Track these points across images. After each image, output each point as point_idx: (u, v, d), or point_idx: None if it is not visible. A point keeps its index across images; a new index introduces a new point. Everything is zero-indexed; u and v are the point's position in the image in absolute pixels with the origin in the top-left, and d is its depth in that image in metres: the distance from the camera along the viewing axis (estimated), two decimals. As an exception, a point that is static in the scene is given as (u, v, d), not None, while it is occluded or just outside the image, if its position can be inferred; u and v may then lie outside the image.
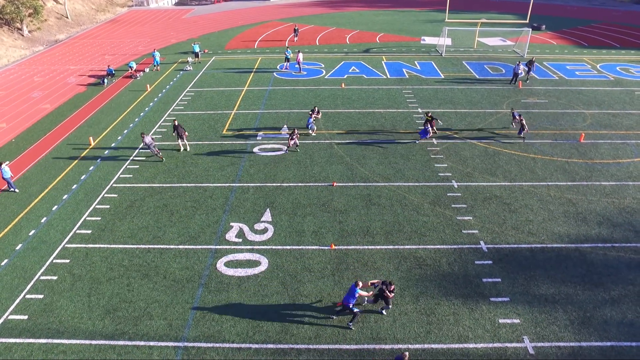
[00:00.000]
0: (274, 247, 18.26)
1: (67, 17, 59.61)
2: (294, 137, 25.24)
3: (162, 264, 17.42)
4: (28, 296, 16.03)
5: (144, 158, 25.17)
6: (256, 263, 17.41)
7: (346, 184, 22.37)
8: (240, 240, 18.64)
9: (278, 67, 40.68)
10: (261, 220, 19.87)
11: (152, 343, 14.15)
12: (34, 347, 14.09)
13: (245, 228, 19.36)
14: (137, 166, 24.38)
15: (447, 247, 18.11)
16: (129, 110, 31.90)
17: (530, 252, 17.81)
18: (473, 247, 18.12)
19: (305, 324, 14.77)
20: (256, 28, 57.11)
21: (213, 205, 20.94)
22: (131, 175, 23.50)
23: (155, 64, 40.16)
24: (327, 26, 57.57)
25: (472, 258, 17.53)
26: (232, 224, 19.64)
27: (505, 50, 46.08)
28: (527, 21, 46.21)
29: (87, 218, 20.20)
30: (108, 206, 21.01)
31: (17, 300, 15.84)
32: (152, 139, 25.22)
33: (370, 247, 18.18)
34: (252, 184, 22.51)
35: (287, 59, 40.11)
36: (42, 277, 16.86)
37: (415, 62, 41.88)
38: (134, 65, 38.96)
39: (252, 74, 39.08)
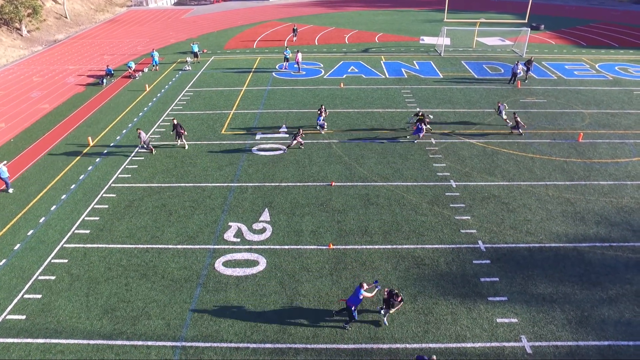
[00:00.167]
0: (272, 246, 18.26)
1: (66, 17, 59.59)
2: (298, 136, 25.24)
3: (161, 264, 17.42)
4: (26, 296, 16.03)
5: (142, 158, 25.17)
6: (254, 263, 17.42)
7: (345, 184, 22.38)
8: (239, 240, 18.65)
9: (277, 67, 40.69)
10: (259, 220, 19.88)
11: (150, 343, 14.16)
12: (32, 347, 14.09)
13: (244, 228, 19.36)
14: (136, 166, 24.38)
15: (445, 247, 18.12)
16: (127, 110, 31.90)
17: (529, 252, 17.83)
18: (471, 246, 18.13)
19: (303, 324, 14.78)
20: (255, 28, 57.12)
21: (211, 205, 20.95)
22: (130, 175, 23.50)
23: (154, 63, 40.16)
24: (326, 26, 57.58)
25: (470, 257, 17.54)
26: (230, 223, 19.65)
27: (504, 50, 46.11)
28: (526, 21, 46.20)
29: (86, 218, 20.20)
30: (106, 206, 21.01)
31: (15, 300, 15.84)
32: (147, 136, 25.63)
33: (368, 246, 18.19)
34: (251, 184, 22.52)
35: (286, 59, 40.13)
36: (40, 277, 16.86)
37: (414, 61, 41.89)
38: (133, 65, 38.98)
39: (251, 73, 39.08)
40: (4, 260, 17.75)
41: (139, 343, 14.16)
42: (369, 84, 36.20)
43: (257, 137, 27.39)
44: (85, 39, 52.53)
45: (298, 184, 22.47)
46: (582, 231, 18.98)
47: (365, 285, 14.28)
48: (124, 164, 24.59)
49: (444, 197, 21.24)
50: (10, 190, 22.20)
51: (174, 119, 26.47)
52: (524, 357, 13.57)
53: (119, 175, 23.51)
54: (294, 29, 50.75)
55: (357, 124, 28.81)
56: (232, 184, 22.54)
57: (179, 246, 18.36)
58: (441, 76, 37.86)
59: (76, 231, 19.34)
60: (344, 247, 18.19)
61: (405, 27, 56.42)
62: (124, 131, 28.45)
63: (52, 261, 17.65)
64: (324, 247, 18.15)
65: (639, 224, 19.38)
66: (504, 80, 36.55)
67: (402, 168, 23.69)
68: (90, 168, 24.29)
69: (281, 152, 25.43)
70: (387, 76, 37.94)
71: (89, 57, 45.04)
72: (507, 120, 28.10)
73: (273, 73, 39.06)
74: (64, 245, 18.50)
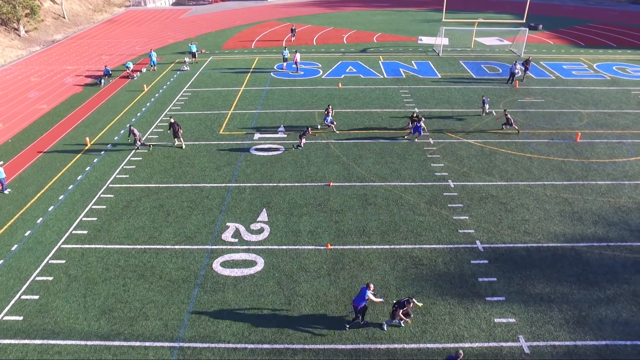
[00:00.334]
0: (270, 247, 18.25)
1: (64, 17, 59.50)
2: (303, 136, 25.22)
3: (158, 264, 17.40)
4: (23, 297, 15.99)
5: (140, 158, 25.15)
6: (252, 263, 17.41)
7: (342, 184, 22.38)
8: (237, 240, 18.63)
9: (275, 67, 40.68)
10: (257, 220, 19.86)
11: (147, 343, 14.14)
12: (29, 348, 14.06)
13: (242, 228, 19.35)
14: (134, 166, 24.35)
15: (443, 247, 18.13)
16: (125, 110, 31.86)
17: (526, 252, 17.84)
18: (469, 246, 18.14)
19: (301, 324, 14.77)
20: (253, 28, 57.10)
21: (209, 205, 20.93)
22: (127, 176, 23.47)
23: (152, 64, 40.11)
24: (325, 26, 57.58)
25: (468, 257, 17.55)
26: (228, 224, 19.63)
27: (502, 49, 46.15)
28: (524, 21, 46.23)
29: (83, 218, 20.17)
30: (104, 206, 20.98)
31: (13, 301, 15.80)
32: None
33: (366, 246, 18.19)
34: (249, 184, 22.50)
35: (284, 59, 40.12)
36: (37, 278, 16.83)
37: (413, 61, 41.91)
38: (131, 66, 38.93)
39: (249, 74, 39.06)
40: (1, 261, 17.71)
41: (136, 344, 14.14)
42: (367, 84, 36.21)
43: (255, 137, 27.37)
44: (84, 39, 52.47)
45: (296, 184, 22.46)
46: (580, 231, 19.00)
47: (371, 287, 14.22)
48: (122, 165, 24.56)
49: (441, 197, 21.25)
50: (7, 191, 22.16)
51: (171, 117, 26.45)
52: (521, 357, 13.58)
53: (117, 176, 23.48)
54: (292, 29, 50.73)
55: (355, 124, 28.80)
56: (230, 184, 22.52)
57: (176, 247, 18.35)
58: (439, 76, 37.88)
59: (74, 232, 19.31)
60: (341, 247, 18.19)
61: (404, 27, 56.45)
62: (122, 131, 28.41)
63: (50, 262, 17.62)
64: (322, 248, 18.15)
65: (637, 224, 19.41)
66: (502, 80, 36.58)
67: (400, 168, 23.70)
68: (88, 168, 24.25)
69: (280, 152, 25.42)
70: (386, 76, 37.95)
71: (87, 58, 44.99)
72: (492, 112, 29.09)
73: (271, 73, 39.05)
74: (62, 246, 18.47)
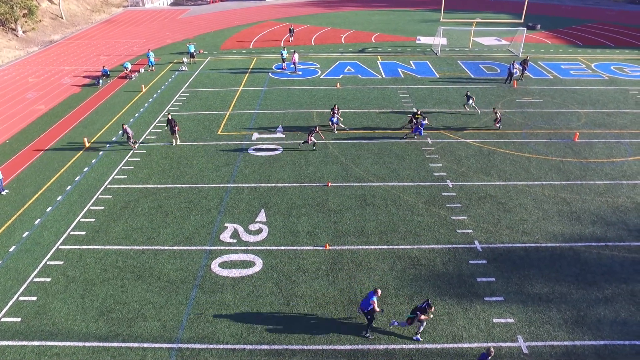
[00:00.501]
0: (268, 247, 18.24)
1: (62, 18, 59.39)
2: (312, 134, 25.19)
3: (157, 265, 17.37)
4: (21, 298, 15.95)
5: (138, 159, 25.11)
6: (250, 264, 17.39)
7: (341, 184, 22.37)
8: (235, 240, 18.61)
9: (274, 67, 40.65)
10: (256, 220, 19.85)
11: (146, 345, 14.12)
12: (27, 349, 14.03)
13: (240, 229, 19.33)
14: (132, 167, 24.31)
15: (442, 247, 18.13)
16: (123, 111, 31.81)
17: (525, 252, 17.86)
18: (467, 246, 18.14)
19: (299, 325, 14.76)
20: (252, 28, 57.06)
21: (208, 206, 20.91)
22: (126, 176, 23.43)
23: (150, 64, 40.06)
24: (323, 26, 57.57)
25: (466, 258, 17.55)
26: (226, 224, 19.61)
27: (500, 49, 46.19)
28: (522, 21, 46.29)
29: (81, 219, 20.13)
30: (102, 207, 20.94)
31: (11, 303, 15.76)
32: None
33: (364, 247, 18.18)
34: (247, 185, 22.48)
35: (283, 59, 40.10)
36: (35, 279, 16.79)
37: (411, 61, 41.92)
38: (129, 66, 38.85)
39: (248, 74, 39.04)
40: (-1, 262, 17.69)
41: (134, 345, 14.11)
42: (365, 84, 36.20)
43: (254, 137, 27.35)
44: (81, 40, 52.37)
45: (294, 184, 22.45)
46: (578, 231, 19.02)
47: (379, 292, 14.10)
48: (120, 165, 24.52)
49: (440, 197, 21.26)
50: (4, 192, 22.11)
51: (169, 114, 26.78)
52: (520, 357, 13.58)
53: (115, 177, 23.44)
54: (290, 29, 50.72)
55: (353, 124, 28.80)
56: (229, 185, 22.50)
57: (175, 247, 18.32)
58: (437, 76, 37.90)
59: (72, 233, 19.27)
60: (340, 247, 18.18)
61: (402, 27, 56.46)
62: (120, 132, 28.35)
63: (48, 263, 17.58)
64: (321, 248, 18.14)
65: (635, 223, 19.44)
66: (500, 80, 36.61)
67: (399, 168, 23.70)
68: (86, 169, 24.21)
69: (278, 152, 25.39)
70: (384, 76, 37.95)
71: (85, 58, 44.91)
72: (475, 107, 30.24)
73: (269, 73, 39.02)
74: (60, 247, 18.43)
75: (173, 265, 17.38)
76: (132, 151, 25.87)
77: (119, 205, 21.06)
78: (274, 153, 25.42)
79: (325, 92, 34.38)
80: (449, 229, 19.15)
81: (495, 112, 27.68)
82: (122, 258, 17.78)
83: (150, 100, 33.57)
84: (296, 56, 38.93)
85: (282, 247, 18.23)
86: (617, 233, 18.86)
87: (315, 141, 25.54)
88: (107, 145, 26.84)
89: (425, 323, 14.29)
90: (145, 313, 15.26)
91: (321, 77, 37.98)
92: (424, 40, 49.89)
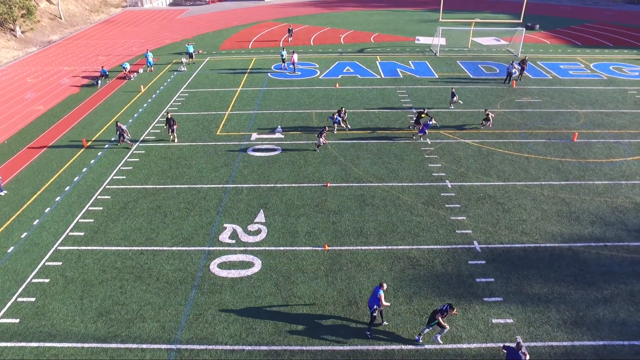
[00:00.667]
0: (267, 248, 18.22)
1: (60, 18, 59.33)
2: (323, 134, 25.16)
3: (155, 266, 17.35)
4: (20, 299, 15.92)
5: (137, 159, 25.08)
6: (249, 264, 17.37)
7: (340, 185, 22.36)
8: (234, 241, 18.59)
9: (273, 67, 40.62)
10: (255, 221, 19.82)
11: (144, 346, 14.09)
12: (26, 350, 14.00)
13: (239, 229, 19.31)
14: (131, 168, 24.28)
15: (441, 247, 18.12)
16: (122, 111, 31.77)
17: (524, 252, 17.85)
18: (466, 247, 18.13)
19: (298, 326, 14.74)
20: (251, 28, 57.04)
21: (206, 206, 20.88)
22: (124, 177, 23.40)
23: (149, 64, 40.02)
24: (322, 26, 57.55)
25: (465, 258, 17.54)
26: (225, 225, 19.58)
27: (499, 50, 46.20)
28: (521, 21, 46.33)
29: (80, 220, 20.10)
30: (101, 208, 20.91)
31: (9, 304, 15.73)
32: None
33: (363, 247, 18.17)
34: (246, 185, 22.46)
35: (282, 60, 40.09)
36: (34, 280, 16.76)
37: (410, 62, 41.92)
38: (128, 66, 38.81)
39: (247, 74, 39.01)
40: (-3, 263, 17.65)
41: (133, 346, 14.09)
42: (364, 84, 36.20)
43: (253, 138, 27.33)
44: (80, 40, 52.32)
45: (293, 184, 22.43)
46: (577, 231, 19.02)
47: (385, 286, 14.08)
48: (119, 166, 24.49)
49: (439, 198, 21.25)
50: (3, 193, 22.07)
51: (168, 113, 27.02)
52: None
53: (114, 177, 23.41)
54: (289, 29, 50.69)
55: (352, 124, 28.78)
56: (227, 185, 22.48)
57: (173, 248, 18.29)
58: (437, 76, 37.90)
59: (70, 233, 19.24)
60: (339, 248, 18.16)
61: (401, 27, 56.47)
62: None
63: (46, 264, 17.54)
64: (320, 248, 18.12)
65: (634, 224, 19.44)
66: (499, 80, 36.62)
67: (398, 168, 23.69)
68: (84, 170, 24.17)
69: (277, 152, 25.38)
70: (383, 76, 37.95)
71: (84, 58, 44.86)
72: (458, 102, 31.09)
73: (268, 74, 39.00)
74: (58, 248, 18.40)
75: (172, 265, 17.35)
76: (130, 151, 25.84)
77: (118, 206, 21.03)
78: (273, 153, 25.40)
79: (325, 93, 34.37)
80: (448, 229, 19.14)
81: (487, 114, 27.74)
82: (121, 259, 17.75)
83: (149, 100, 33.53)
84: (295, 56, 38.92)
85: (281, 248, 18.21)
86: (616, 233, 18.86)
87: (322, 140, 25.39)
88: (106, 145, 26.81)
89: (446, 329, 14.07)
90: (144, 314, 15.23)
91: (320, 77, 37.97)
92: (423, 40, 49.90)
